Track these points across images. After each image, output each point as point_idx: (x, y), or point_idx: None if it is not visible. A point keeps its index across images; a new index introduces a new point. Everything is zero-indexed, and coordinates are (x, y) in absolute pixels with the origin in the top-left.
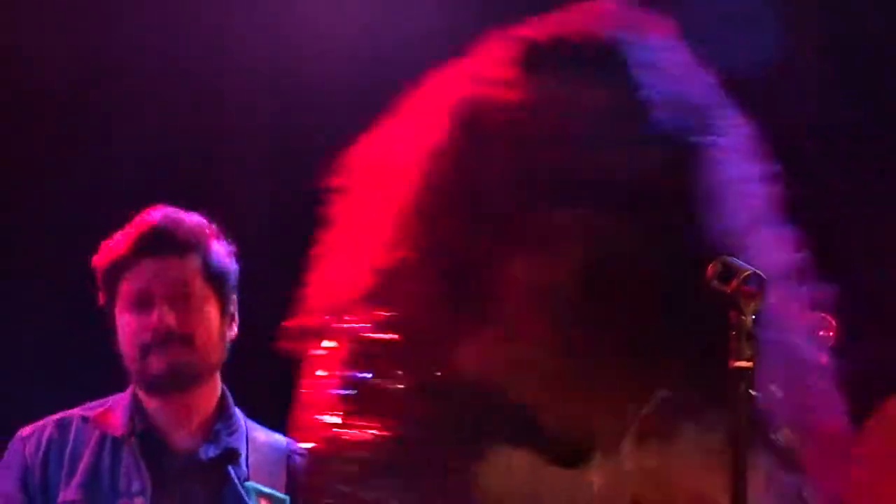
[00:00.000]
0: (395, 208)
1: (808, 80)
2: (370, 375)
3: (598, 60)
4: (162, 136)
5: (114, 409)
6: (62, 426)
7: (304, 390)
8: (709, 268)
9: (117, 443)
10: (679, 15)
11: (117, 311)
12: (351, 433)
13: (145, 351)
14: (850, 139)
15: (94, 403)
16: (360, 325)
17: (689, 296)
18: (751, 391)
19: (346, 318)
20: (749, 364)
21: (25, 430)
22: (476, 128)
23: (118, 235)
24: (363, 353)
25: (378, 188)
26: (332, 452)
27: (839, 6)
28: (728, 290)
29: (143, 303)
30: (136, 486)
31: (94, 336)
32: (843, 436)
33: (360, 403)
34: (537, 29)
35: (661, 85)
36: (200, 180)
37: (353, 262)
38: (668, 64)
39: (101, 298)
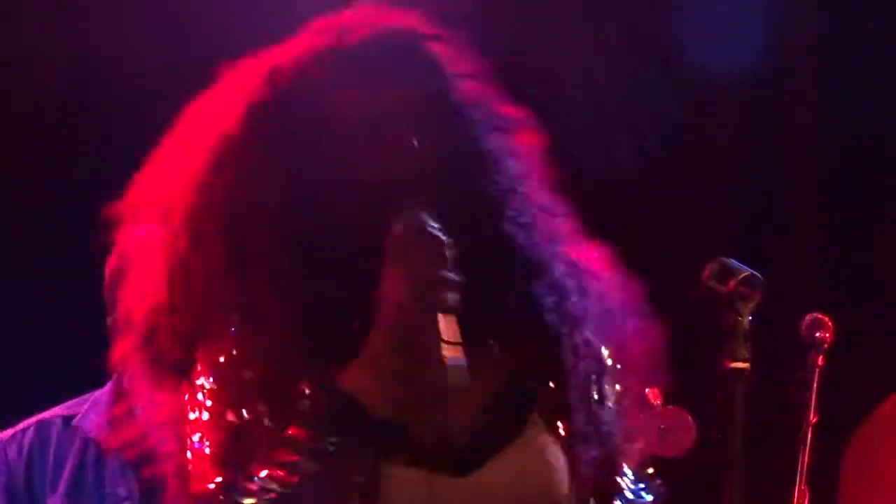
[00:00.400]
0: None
1: (805, 80)
2: (245, 420)
3: (371, 60)
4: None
5: (94, 412)
6: (42, 429)
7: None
8: (706, 268)
9: (101, 447)
10: (678, 14)
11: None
12: (243, 487)
13: None
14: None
15: (72, 402)
16: (221, 366)
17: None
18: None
19: (205, 359)
20: (745, 365)
21: (3, 435)
22: (257, 131)
23: None
24: (232, 399)
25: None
26: None
27: (839, 6)
28: (725, 291)
29: None
30: (122, 490)
31: (94, 337)
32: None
33: (242, 453)
34: (312, 33)
35: (433, 78)
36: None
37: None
38: (439, 58)
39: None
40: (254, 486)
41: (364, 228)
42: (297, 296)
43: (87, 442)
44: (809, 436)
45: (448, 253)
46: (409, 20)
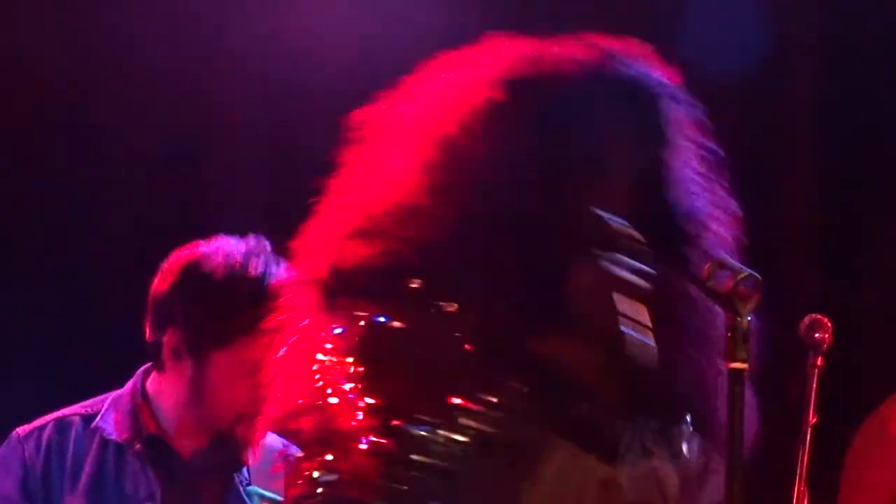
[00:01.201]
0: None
1: (805, 80)
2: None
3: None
4: (161, 137)
5: (114, 412)
6: (61, 427)
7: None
8: (705, 268)
9: (121, 448)
10: (678, 14)
11: (226, 368)
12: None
13: (241, 417)
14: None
15: (90, 402)
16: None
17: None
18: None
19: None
20: (744, 366)
21: (22, 430)
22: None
23: (227, 287)
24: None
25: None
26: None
27: (839, 6)
28: (724, 290)
29: (252, 372)
30: (142, 491)
31: (94, 336)
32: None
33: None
34: (582, 44)
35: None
36: (199, 180)
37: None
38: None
39: (184, 335)
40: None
41: (569, 216)
42: (509, 260)
43: (106, 442)
44: (809, 436)
45: (637, 245)
46: (663, 72)
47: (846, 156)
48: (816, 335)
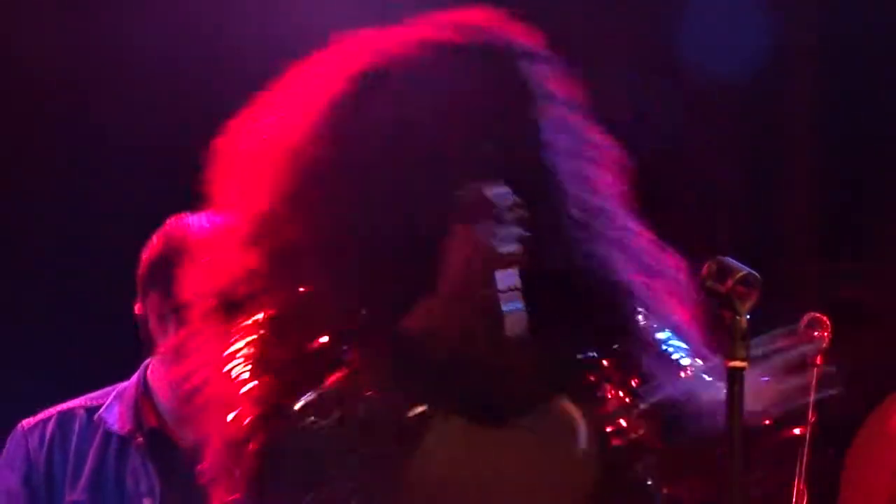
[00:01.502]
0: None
1: (805, 80)
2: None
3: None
4: (161, 136)
5: (118, 404)
6: (65, 420)
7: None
8: (704, 267)
9: (123, 441)
10: (679, 14)
11: None
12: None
13: None
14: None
15: (96, 393)
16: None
17: None
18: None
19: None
20: (743, 364)
21: (27, 423)
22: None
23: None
24: (297, 331)
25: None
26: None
27: (839, 6)
28: (723, 290)
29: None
30: (143, 486)
31: (94, 335)
32: None
33: (290, 385)
34: (427, 24)
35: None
36: (199, 180)
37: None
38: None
39: None
40: (292, 421)
41: (437, 192)
42: (373, 241)
43: (108, 435)
44: (809, 435)
45: (513, 211)
46: (518, 34)
47: (846, 156)
48: (815, 333)
